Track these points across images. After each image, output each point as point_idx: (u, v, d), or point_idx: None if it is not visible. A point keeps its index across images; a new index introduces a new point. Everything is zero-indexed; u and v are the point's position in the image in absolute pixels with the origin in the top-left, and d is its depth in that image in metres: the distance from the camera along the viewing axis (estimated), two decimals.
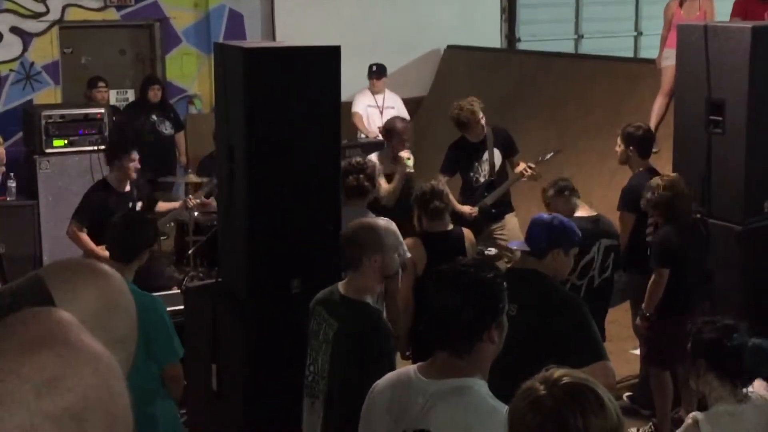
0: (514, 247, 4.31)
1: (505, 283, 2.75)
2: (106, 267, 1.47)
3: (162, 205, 7.04)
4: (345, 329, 3.71)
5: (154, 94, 9.73)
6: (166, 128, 9.81)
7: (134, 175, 6.70)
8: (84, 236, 6.52)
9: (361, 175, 5.34)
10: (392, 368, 3.60)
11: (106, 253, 4.96)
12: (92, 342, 1.08)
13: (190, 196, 7.35)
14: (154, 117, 9.73)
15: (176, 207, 7.26)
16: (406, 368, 2.85)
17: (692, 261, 5.68)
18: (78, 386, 1.03)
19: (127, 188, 6.71)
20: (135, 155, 6.68)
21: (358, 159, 5.43)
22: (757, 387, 3.64)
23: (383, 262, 3.83)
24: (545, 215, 4.19)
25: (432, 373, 2.71)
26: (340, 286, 3.89)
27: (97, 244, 6.27)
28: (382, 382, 2.89)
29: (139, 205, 6.74)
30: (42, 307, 1.15)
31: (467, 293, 2.69)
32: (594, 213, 5.84)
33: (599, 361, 3.72)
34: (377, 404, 2.84)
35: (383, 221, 4.05)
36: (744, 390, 3.54)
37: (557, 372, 1.98)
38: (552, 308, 3.90)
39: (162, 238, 8.49)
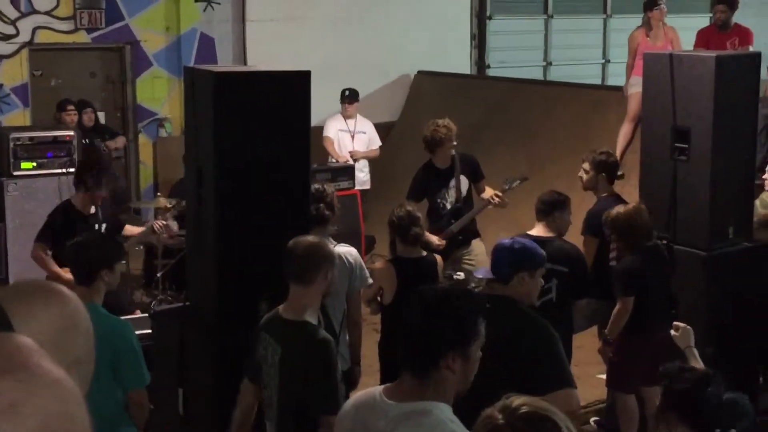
0: (480, 276, 4.31)
1: (481, 318, 2.70)
2: (63, 288, 1.46)
3: (129, 229, 6.97)
4: (287, 352, 3.82)
5: (89, 118, 9.64)
6: (103, 146, 9.73)
7: (100, 200, 6.64)
8: (48, 258, 6.43)
9: (321, 204, 5.33)
10: (336, 386, 3.75)
11: (70, 276, 4.90)
12: (52, 367, 1.07)
13: (158, 219, 7.28)
14: (87, 142, 9.56)
15: (141, 231, 7.19)
16: (372, 389, 2.83)
17: (654, 286, 5.75)
18: (37, 412, 1.02)
19: (92, 210, 6.64)
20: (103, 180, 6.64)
21: (317, 187, 5.40)
22: None
23: (332, 278, 4.01)
24: (506, 240, 4.20)
25: (396, 396, 2.70)
26: (281, 308, 3.97)
27: (59, 265, 6.27)
28: (348, 402, 2.90)
29: (104, 227, 6.68)
30: (1, 331, 1.14)
31: (433, 315, 2.66)
32: (549, 235, 5.74)
33: (563, 389, 3.73)
34: (342, 424, 2.85)
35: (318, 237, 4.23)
36: None
37: (516, 400, 1.98)
38: (521, 334, 3.91)
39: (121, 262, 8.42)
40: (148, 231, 7.05)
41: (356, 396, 2.93)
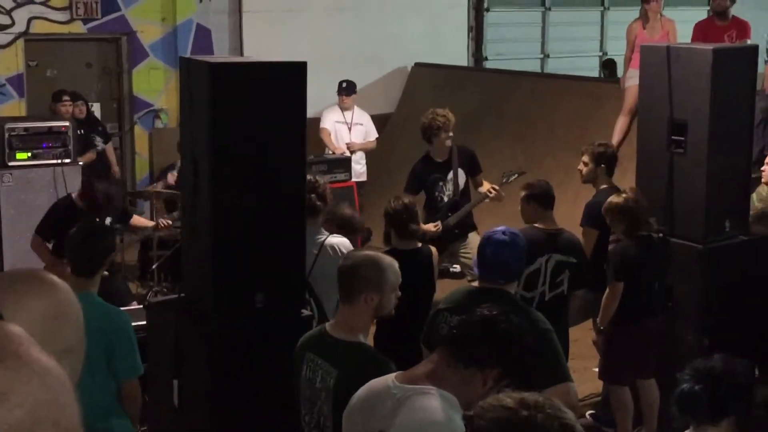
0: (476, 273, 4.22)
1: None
2: (53, 277, 1.46)
3: (137, 219, 6.99)
4: (346, 375, 3.40)
5: (80, 111, 9.57)
6: (99, 143, 9.71)
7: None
8: (45, 249, 6.48)
9: (313, 195, 5.32)
10: None
11: (67, 268, 4.89)
12: (42, 356, 1.07)
13: (164, 218, 7.31)
14: (82, 132, 9.50)
15: (149, 225, 7.22)
16: (386, 376, 2.91)
17: (646, 275, 5.76)
18: (26, 401, 1.01)
19: None
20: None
21: (308, 178, 5.40)
22: None
23: (380, 302, 3.56)
24: (503, 237, 4.11)
25: (408, 380, 2.78)
26: (329, 327, 3.65)
27: (59, 258, 6.27)
28: (362, 388, 2.95)
29: (108, 221, 6.69)
30: None
31: (516, 338, 2.81)
32: (556, 227, 5.79)
33: (561, 383, 3.73)
34: (353, 404, 2.91)
35: (388, 258, 3.75)
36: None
37: (536, 395, 1.98)
38: None
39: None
40: (152, 228, 7.08)
41: (371, 382, 2.97)
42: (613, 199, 5.83)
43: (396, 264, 3.70)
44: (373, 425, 2.77)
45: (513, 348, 2.80)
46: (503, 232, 4.13)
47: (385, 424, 2.73)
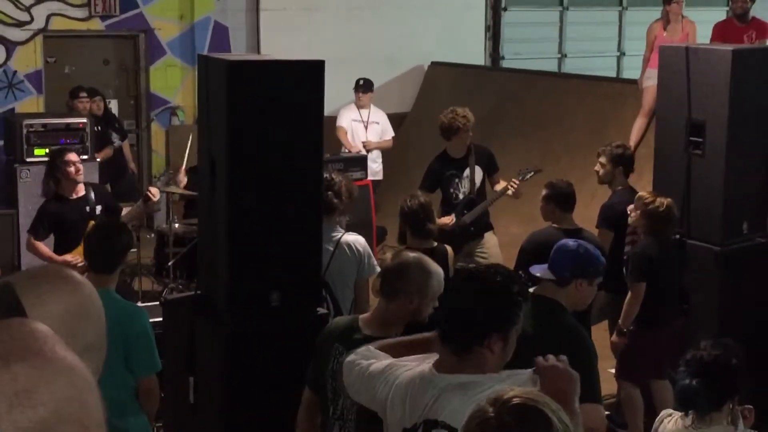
0: (538, 274, 4.12)
1: (524, 302, 2.77)
2: (75, 274, 1.47)
3: (124, 211, 6.90)
4: None
5: (97, 107, 9.57)
6: (116, 140, 9.73)
7: (80, 177, 6.61)
8: (40, 245, 6.58)
9: (330, 192, 5.32)
10: None
11: (67, 258, 4.89)
12: (66, 353, 1.07)
13: (150, 188, 7.07)
14: (99, 129, 9.50)
15: (133, 207, 7.05)
16: (423, 366, 2.89)
17: (666, 277, 5.73)
18: (51, 399, 1.02)
19: (81, 193, 6.64)
20: (71, 156, 6.62)
21: (326, 176, 5.41)
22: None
23: (418, 307, 3.55)
24: (571, 242, 4.10)
25: (444, 369, 2.77)
26: (361, 321, 3.63)
27: (61, 254, 6.41)
28: (403, 376, 2.91)
29: (98, 209, 6.68)
30: (14, 316, 1.14)
31: (483, 296, 2.73)
32: (575, 227, 5.76)
33: (588, 402, 3.66)
34: (393, 396, 2.88)
35: (435, 265, 3.71)
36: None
37: (509, 392, 1.97)
38: (559, 344, 3.76)
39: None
40: (140, 204, 6.88)
41: (407, 373, 2.93)
42: (656, 202, 5.67)
43: (442, 273, 3.68)
44: (420, 415, 2.75)
45: (497, 299, 2.72)
46: (575, 241, 4.12)
47: (430, 414, 2.71)
